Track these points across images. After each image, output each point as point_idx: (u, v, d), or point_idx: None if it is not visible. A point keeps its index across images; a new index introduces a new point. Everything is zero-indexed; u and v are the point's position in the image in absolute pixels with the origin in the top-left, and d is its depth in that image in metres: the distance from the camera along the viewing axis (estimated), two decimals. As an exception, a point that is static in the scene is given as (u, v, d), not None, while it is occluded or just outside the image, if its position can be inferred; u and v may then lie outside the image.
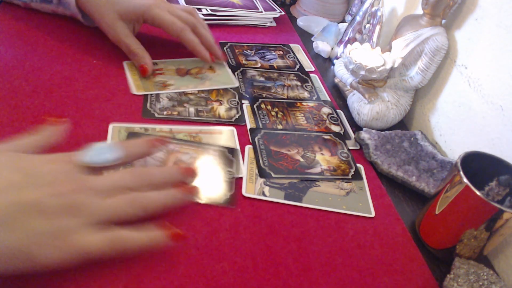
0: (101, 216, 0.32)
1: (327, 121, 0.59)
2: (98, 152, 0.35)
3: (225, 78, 0.63)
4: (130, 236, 0.33)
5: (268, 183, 0.47)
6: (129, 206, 0.34)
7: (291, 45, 0.76)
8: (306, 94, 0.63)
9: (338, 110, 0.63)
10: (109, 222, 0.33)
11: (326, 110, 0.61)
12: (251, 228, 0.42)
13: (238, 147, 0.50)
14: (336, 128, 0.58)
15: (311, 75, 0.69)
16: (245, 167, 0.48)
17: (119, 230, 0.33)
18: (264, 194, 0.46)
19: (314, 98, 0.63)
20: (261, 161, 0.49)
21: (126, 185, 0.35)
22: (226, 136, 0.52)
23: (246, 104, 0.58)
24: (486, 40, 0.54)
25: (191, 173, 0.41)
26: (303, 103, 0.61)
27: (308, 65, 0.72)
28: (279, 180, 0.48)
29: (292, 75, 0.67)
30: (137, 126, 0.49)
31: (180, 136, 0.50)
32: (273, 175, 0.48)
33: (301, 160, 0.51)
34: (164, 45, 0.66)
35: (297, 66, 0.70)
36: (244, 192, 0.45)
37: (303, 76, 0.68)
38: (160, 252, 0.38)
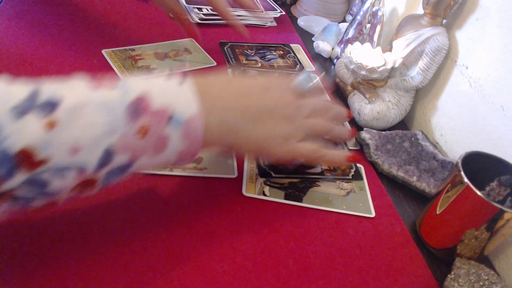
0: (307, 131, 0.42)
1: None
2: (306, 78, 0.45)
3: (203, 58, 0.65)
4: (327, 151, 0.44)
5: (268, 183, 0.47)
6: (325, 128, 0.44)
7: (291, 45, 0.76)
8: None
9: None
10: (309, 135, 0.42)
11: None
12: (251, 228, 0.42)
13: None
14: None
15: (312, 75, 0.69)
16: (245, 167, 0.48)
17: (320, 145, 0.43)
18: (264, 194, 0.46)
19: None
20: (261, 160, 0.49)
21: (323, 113, 0.45)
22: None
23: None
24: (487, 40, 0.54)
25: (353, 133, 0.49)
26: None
27: (309, 65, 0.72)
28: (279, 180, 0.48)
29: (293, 75, 0.67)
30: None
31: None
32: (273, 174, 0.48)
33: (302, 160, 0.51)
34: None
35: (298, 66, 0.70)
36: (244, 192, 0.45)
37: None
38: (160, 252, 0.38)
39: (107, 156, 0.29)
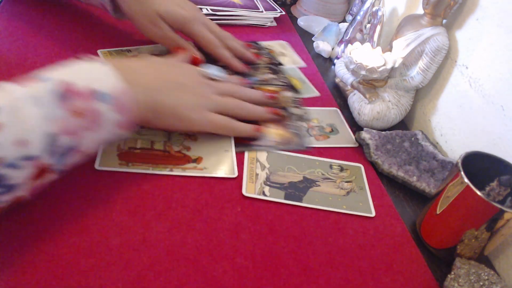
0: (218, 106, 0.48)
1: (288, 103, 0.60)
2: (214, 70, 0.54)
3: None
4: (239, 124, 0.50)
5: (268, 183, 0.47)
6: (237, 106, 0.50)
7: (274, 41, 0.76)
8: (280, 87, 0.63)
9: (334, 108, 0.62)
10: (222, 112, 0.48)
11: (289, 94, 0.62)
12: (251, 228, 0.42)
13: (233, 147, 0.50)
14: (297, 111, 0.59)
15: (290, 66, 0.70)
16: (245, 167, 0.48)
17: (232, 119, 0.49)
18: (264, 194, 0.46)
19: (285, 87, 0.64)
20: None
21: (233, 93, 0.51)
22: (222, 136, 0.51)
23: None
24: (487, 40, 0.54)
25: (273, 98, 0.56)
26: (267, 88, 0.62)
27: (299, 61, 0.72)
28: (279, 180, 0.48)
29: (264, 68, 0.67)
30: None
31: (175, 134, 0.49)
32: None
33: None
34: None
35: (271, 61, 0.69)
36: (244, 192, 0.45)
37: (274, 68, 0.67)
38: (160, 252, 0.38)
39: (52, 140, 0.32)
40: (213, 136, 0.50)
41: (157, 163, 0.46)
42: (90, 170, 0.43)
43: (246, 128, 0.51)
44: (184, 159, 0.47)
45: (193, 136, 0.50)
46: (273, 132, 0.54)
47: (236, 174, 0.47)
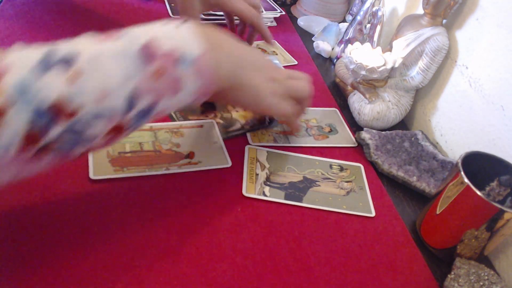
0: (287, 89, 0.47)
1: None
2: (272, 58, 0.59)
3: None
4: (295, 119, 0.50)
5: (268, 183, 0.47)
6: (302, 90, 0.49)
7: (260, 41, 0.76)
8: None
9: (333, 108, 0.62)
10: (291, 95, 0.47)
11: None
12: (251, 228, 0.42)
13: (220, 138, 0.51)
14: None
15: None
16: (245, 167, 0.48)
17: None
18: (264, 194, 0.46)
19: None
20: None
21: (293, 76, 0.50)
22: (207, 128, 0.52)
23: None
24: (487, 40, 0.54)
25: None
26: None
27: (291, 60, 0.72)
28: (279, 179, 0.48)
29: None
30: None
31: (161, 132, 0.50)
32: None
33: (221, 121, 0.54)
34: None
35: None
36: (244, 192, 0.45)
37: None
38: (160, 252, 0.38)
39: (132, 99, 0.32)
40: (198, 130, 0.51)
41: (151, 163, 0.45)
42: (85, 180, 0.42)
43: (297, 126, 0.53)
44: (176, 156, 0.47)
45: (178, 132, 0.50)
46: (241, 115, 0.56)
47: (230, 163, 0.48)
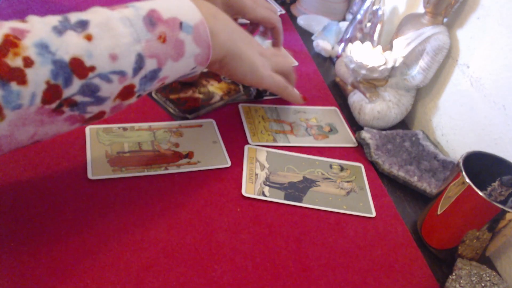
0: (276, 66, 0.52)
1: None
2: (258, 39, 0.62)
3: None
4: (292, 88, 0.55)
5: (268, 183, 0.47)
6: (288, 69, 0.55)
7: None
8: None
9: (333, 107, 0.62)
10: (278, 72, 0.52)
11: None
12: (251, 228, 0.42)
13: (220, 138, 0.51)
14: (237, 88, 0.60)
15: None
16: (245, 167, 0.48)
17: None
18: (264, 194, 0.45)
19: None
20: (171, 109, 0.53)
21: (278, 54, 0.56)
22: (206, 128, 0.52)
23: None
24: (488, 39, 0.54)
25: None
26: None
27: (292, 61, 0.72)
28: (279, 179, 0.47)
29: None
30: (114, 126, 0.49)
31: (160, 132, 0.49)
32: (188, 116, 0.53)
33: (201, 96, 0.56)
34: None
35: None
36: (244, 192, 0.45)
37: None
38: (160, 252, 0.37)
39: (140, 60, 0.35)
40: (197, 129, 0.51)
41: (150, 163, 0.45)
42: (83, 180, 0.42)
43: (297, 94, 0.56)
44: (175, 156, 0.47)
45: (177, 131, 0.50)
46: (217, 87, 0.57)
47: (229, 163, 0.47)
